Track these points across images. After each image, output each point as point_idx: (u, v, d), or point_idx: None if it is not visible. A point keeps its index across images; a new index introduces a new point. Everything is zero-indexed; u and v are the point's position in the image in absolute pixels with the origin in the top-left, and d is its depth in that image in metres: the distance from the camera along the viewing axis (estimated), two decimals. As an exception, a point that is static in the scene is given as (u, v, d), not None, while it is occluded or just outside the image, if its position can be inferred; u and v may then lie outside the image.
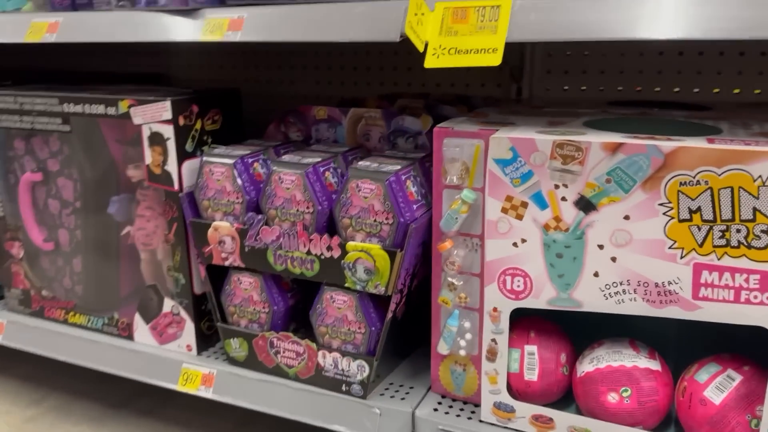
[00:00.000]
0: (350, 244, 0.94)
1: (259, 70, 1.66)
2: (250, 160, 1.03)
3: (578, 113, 1.01)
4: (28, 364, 1.59)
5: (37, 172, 1.22)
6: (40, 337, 1.27)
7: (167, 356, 1.15)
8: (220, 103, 1.12)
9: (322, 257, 0.96)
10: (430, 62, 0.80)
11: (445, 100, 1.25)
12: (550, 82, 1.37)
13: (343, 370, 1.00)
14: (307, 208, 0.96)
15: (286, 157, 1.00)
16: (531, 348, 0.91)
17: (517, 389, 0.92)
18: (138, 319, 1.19)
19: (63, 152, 1.20)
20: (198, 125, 1.08)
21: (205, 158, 1.03)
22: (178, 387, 1.13)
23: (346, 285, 0.96)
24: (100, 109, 1.09)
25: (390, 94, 1.34)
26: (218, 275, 1.09)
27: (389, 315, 0.95)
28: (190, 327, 1.13)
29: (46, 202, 1.25)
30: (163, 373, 1.14)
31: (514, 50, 1.37)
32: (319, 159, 0.98)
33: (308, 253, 0.97)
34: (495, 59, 0.76)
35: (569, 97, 1.36)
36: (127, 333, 1.21)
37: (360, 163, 0.95)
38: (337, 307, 0.98)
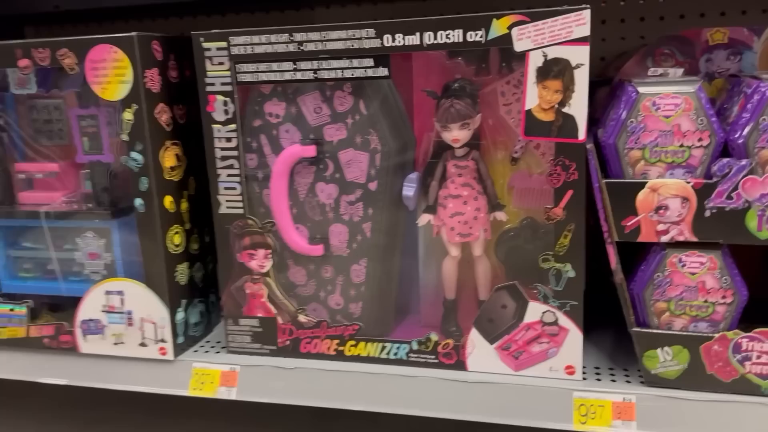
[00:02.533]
0: None
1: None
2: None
3: None
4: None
5: (309, 144, 0.86)
6: (307, 382, 0.89)
7: (542, 385, 0.81)
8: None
9: None
10: None
11: None
12: None
13: None
14: (841, 139, 0.68)
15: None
16: None
17: None
18: (475, 338, 0.84)
19: (357, 112, 0.85)
20: (590, 52, 0.78)
21: (640, 89, 0.73)
22: (576, 427, 0.79)
23: None
24: (454, 35, 0.76)
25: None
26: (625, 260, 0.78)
27: None
28: (575, 339, 0.81)
29: (312, 188, 0.89)
30: (543, 410, 0.80)
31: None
32: (832, 74, 0.71)
33: (831, 206, 0.69)
34: None
35: None
36: (454, 359, 0.86)
37: None
38: None
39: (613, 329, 0.95)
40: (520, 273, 0.84)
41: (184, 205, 0.94)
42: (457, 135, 0.84)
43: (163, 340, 0.93)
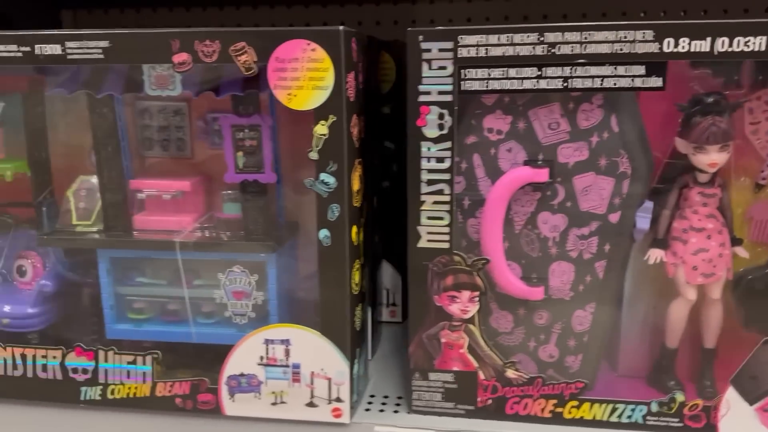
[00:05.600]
0: None
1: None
2: None
3: None
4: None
5: (541, 166, 0.72)
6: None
7: (821, 453, 0.70)
8: None
9: None
10: None
11: None
12: None
13: None
14: None
15: None
16: None
17: None
18: (732, 398, 0.72)
19: (607, 129, 0.71)
20: None
21: None
22: None
23: None
24: (755, 43, 0.64)
25: None
26: None
27: None
28: None
29: (533, 219, 0.75)
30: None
31: None
32: None
33: None
34: None
35: None
36: (703, 422, 0.73)
37: None
38: None
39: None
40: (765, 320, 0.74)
41: (361, 236, 0.78)
42: (715, 158, 0.71)
43: (338, 399, 0.76)
